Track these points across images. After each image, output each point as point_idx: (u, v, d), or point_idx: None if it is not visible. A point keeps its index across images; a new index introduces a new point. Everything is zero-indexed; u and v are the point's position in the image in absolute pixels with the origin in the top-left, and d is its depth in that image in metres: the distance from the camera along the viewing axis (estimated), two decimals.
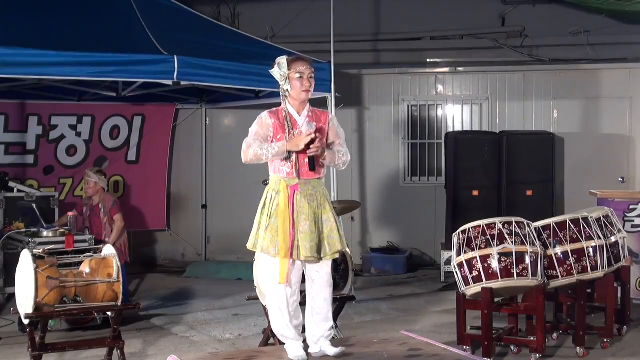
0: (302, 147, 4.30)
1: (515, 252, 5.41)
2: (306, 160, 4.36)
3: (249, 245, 4.49)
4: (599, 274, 5.82)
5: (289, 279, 4.38)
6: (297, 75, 4.41)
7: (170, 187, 10.29)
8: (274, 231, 4.35)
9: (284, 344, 4.59)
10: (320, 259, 4.39)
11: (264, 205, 4.45)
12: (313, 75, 4.48)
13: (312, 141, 4.29)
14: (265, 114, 4.50)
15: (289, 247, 4.31)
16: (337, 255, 4.50)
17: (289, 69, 4.42)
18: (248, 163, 4.49)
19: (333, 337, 4.73)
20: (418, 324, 6.87)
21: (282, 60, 4.44)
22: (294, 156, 4.36)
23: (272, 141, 4.42)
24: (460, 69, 10.28)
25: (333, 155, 4.48)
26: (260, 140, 4.41)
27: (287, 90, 4.45)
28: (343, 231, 4.59)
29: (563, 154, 9.69)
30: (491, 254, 5.44)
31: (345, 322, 6.60)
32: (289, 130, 4.39)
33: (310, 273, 4.49)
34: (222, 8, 10.76)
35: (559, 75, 9.89)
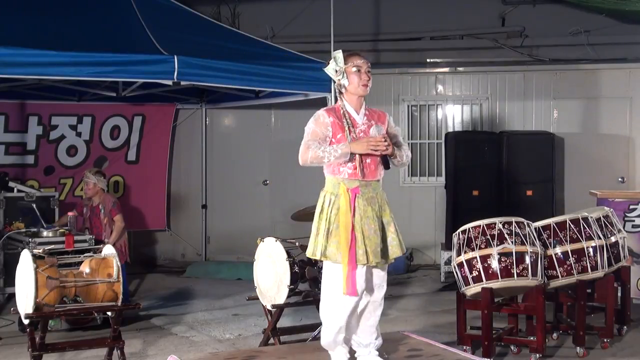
0: (368, 150, 4.06)
1: (515, 252, 5.41)
2: (368, 161, 4.15)
3: (309, 253, 4.22)
4: (599, 274, 5.82)
5: (355, 288, 4.08)
6: (355, 68, 4.19)
7: (170, 187, 10.29)
8: (338, 236, 4.09)
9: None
10: (384, 263, 4.20)
11: (322, 209, 4.17)
12: (370, 70, 4.26)
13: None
14: (322, 113, 4.23)
15: (348, 252, 4.04)
16: (393, 261, 4.28)
17: (345, 63, 4.19)
18: (306, 165, 4.17)
19: None
20: (418, 324, 6.87)
21: (339, 54, 4.22)
22: (357, 156, 4.11)
23: (331, 142, 4.16)
24: (460, 69, 10.28)
25: (400, 152, 4.24)
26: (318, 141, 4.14)
27: (344, 85, 4.21)
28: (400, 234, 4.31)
29: (563, 154, 9.69)
30: (491, 254, 5.44)
31: None
32: (348, 128, 4.15)
33: (370, 279, 4.24)
34: (222, 8, 10.76)
35: (559, 75, 9.90)
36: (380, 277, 4.27)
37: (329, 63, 4.24)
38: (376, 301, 4.29)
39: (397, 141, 4.29)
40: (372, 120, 4.24)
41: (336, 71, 4.20)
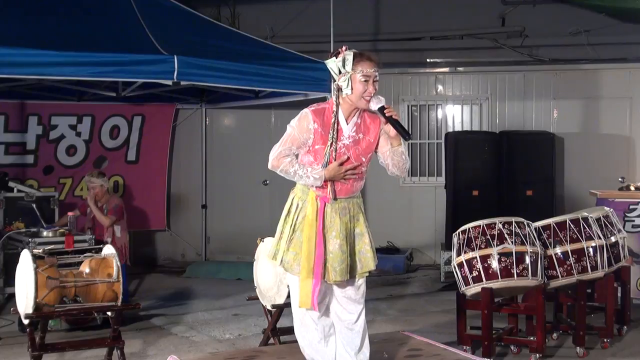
0: (342, 178, 3.81)
1: (515, 252, 5.41)
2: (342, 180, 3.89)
3: (269, 256, 4.01)
4: (599, 274, 5.82)
5: (314, 302, 3.82)
6: (363, 78, 3.77)
7: (170, 187, 10.29)
8: (297, 247, 3.83)
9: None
10: (350, 278, 3.92)
11: (288, 212, 3.90)
12: (377, 79, 3.85)
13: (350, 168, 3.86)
14: (308, 116, 3.85)
15: (312, 267, 3.78)
16: (366, 275, 4.02)
17: (353, 68, 3.78)
18: (274, 170, 3.89)
19: None
20: (418, 324, 6.86)
21: (349, 55, 3.78)
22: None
23: (309, 149, 3.86)
24: (460, 69, 10.29)
25: (399, 154, 3.93)
26: (294, 149, 3.85)
27: (347, 93, 3.81)
28: (374, 246, 4.07)
29: (563, 154, 9.70)
30: (491, 254, 5.44)
31: None
32: (332, 142, 3.80)
33: (340, 296, 4.00)
34: (222, 8, 10.75)
35: (559, 75, 9.90)
36: (350, 296, 4.00)
37: (331, 56, 3.86)
38: (351, 321, 4.04)
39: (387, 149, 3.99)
40: (360, 134, 3.90)
41: (340, 71, 3.81)
